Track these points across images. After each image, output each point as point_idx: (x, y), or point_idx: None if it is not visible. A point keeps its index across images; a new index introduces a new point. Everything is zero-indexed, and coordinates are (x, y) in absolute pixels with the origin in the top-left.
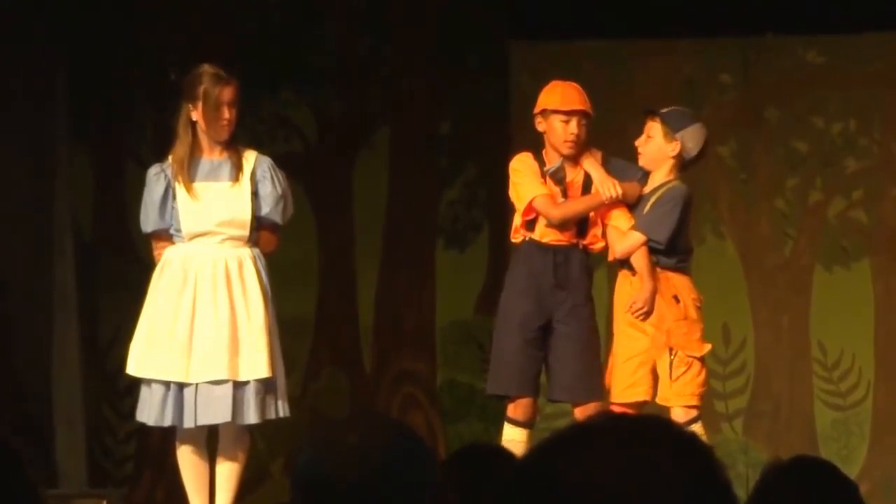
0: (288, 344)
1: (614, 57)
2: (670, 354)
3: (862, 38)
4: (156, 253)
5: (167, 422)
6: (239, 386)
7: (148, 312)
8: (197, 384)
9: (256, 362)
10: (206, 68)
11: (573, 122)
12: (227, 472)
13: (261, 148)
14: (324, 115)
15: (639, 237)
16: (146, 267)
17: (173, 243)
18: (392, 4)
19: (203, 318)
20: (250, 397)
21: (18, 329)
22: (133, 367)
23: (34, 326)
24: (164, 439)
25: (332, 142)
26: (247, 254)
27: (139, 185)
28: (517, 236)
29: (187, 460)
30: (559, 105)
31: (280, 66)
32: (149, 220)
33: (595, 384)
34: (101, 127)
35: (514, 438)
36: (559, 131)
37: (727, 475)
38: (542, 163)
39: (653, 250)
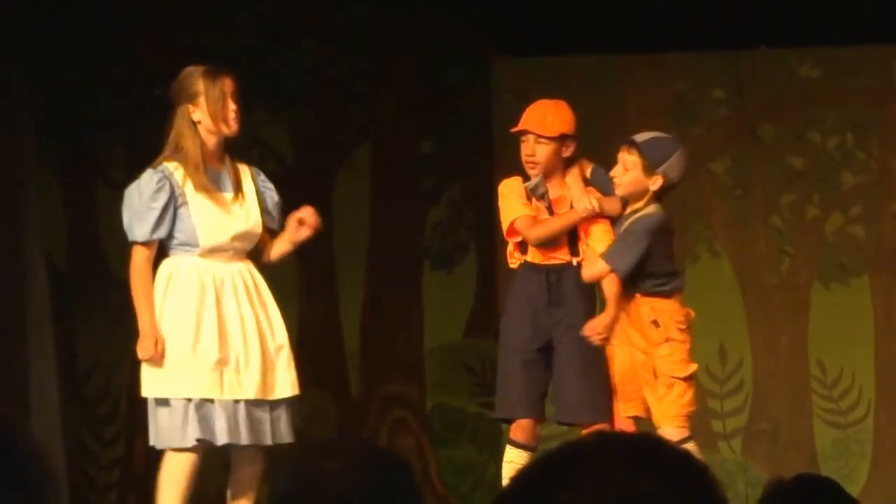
0: None
1: (602, 73)
2: (654, 376)
3: (857, 51)
4: (140, 263)
5: (190, 441)
6: (273, 404)
7: (170, 331)
8: (236, 401)
9: (289, 379)
10: (196, 67)
11: (526, 143)
12: (245, 497)
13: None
14: (301, 135)
15: (604, 266)
16: (122, 289)
17: (166, 255)
18: (373, 21)
19: (234, 334)
20: (283, 415)
21: None
22: (153, 389)
23: (9, 355)
24: (148, 466)
25: (310, 162)
26: (252, 267)
27: (111, 207)
28: (513, 261)
29: (181, 487)
30: (514, 127)
31: (255, 86)
32: (144, 228)
33: (600, 404)
34: (70, 149)
35: (512, 461)
36: (521, 154)
37: (723, 494)
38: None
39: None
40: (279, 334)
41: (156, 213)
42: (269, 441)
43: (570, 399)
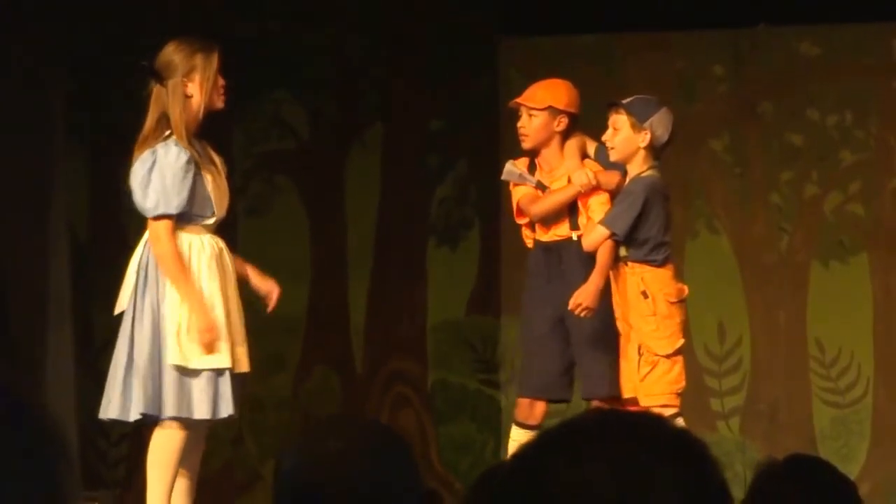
0: (278, 343)
1: (605, 52)
2: (638, 353)
3: (856, 29)
4: (169, 236)
5: (225, 412)
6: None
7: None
8: (231, 373)
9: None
10: (184, 41)
11: (520, 116)
12: (194, 471)
13: (254, 146)
14: (317, 114)
15: (602, 231)
16: None
17: (179, 228)
18: (385, 7)
19: (234, 308)
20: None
21: (11, 330)
22: (196, 360)
23: (28, 327)
24: None
25: (324, 140)
26: None
27: None
28: (528, 241)
29: (177, 460)
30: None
31: (274, 66)
32: (181, 198)
33: (605, 379)
34: (97, 126)
35: (512, 438)
36: None
37: (722, 472)
38: (532, 166)
39: (622, 243)
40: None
41: (189, 184)
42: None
43: (591, 373)
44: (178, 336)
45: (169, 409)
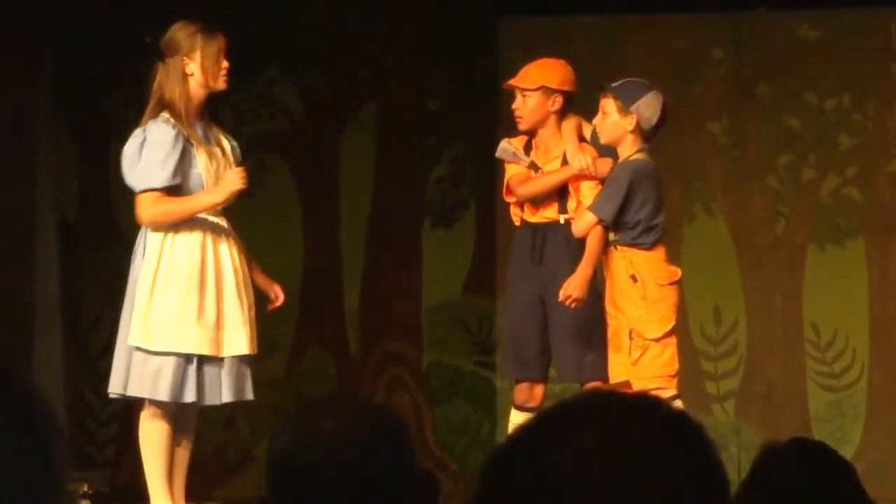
0: (272, 325)
1: (604, 32)
2: (629, 337)
3: (856, 13)
4: (154, 203)
5: (189, 397)
6: (248, 360)
7: (170, 283)
8: (223, 359)
9: (254, 336)
10: (189, 22)
11: (514, 98)
12: (186, 454)
13: (245, 126)
14: (310, 93)
15: (590, 217)
16: (130, 245)
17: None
18: None
19: (229, 290)
20: (251, 371)
21: None
22: (157, 342)
23: (15, 308)
24: None
25: (318, 120)
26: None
27: None
28: (515, 219)
29: (165, 440)
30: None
31: (266, 44)
32: (165, 173)
33: (588, 363)
34: (84, 105)
35: (512, 421)
36: None
37: (717, 453)
38: (528, 146)
39: (611, 228)
40: (250, 293)
41: (175, 159)
42: (249, 396)
43: (563, 358)
44: (142, 318)
45: (133, 388)
